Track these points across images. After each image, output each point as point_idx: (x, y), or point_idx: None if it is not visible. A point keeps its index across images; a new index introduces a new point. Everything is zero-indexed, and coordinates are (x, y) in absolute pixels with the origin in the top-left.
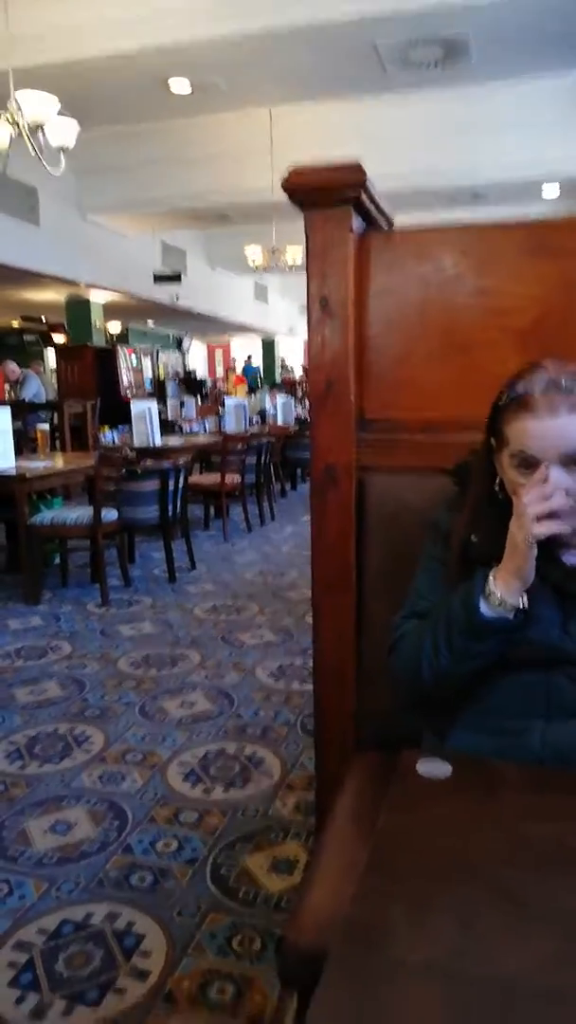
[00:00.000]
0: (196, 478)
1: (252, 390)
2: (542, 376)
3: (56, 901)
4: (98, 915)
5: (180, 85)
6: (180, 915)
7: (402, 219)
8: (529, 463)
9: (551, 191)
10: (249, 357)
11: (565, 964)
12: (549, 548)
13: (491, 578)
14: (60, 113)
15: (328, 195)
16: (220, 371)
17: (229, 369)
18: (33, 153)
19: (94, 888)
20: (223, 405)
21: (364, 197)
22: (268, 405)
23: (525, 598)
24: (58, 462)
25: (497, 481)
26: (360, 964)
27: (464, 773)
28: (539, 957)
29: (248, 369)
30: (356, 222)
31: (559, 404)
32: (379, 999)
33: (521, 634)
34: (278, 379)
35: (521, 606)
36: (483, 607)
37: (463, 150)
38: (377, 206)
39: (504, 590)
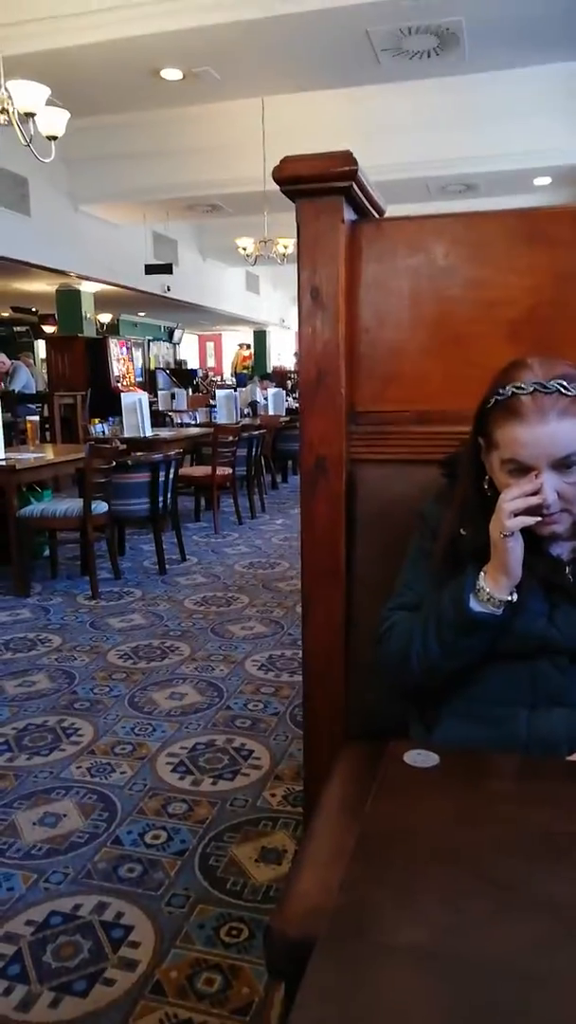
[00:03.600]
0: (187, 470)
1: (242, 383)
2: (529, 378)
3: (44, 893)
4: (87, 906)
5: (172, 74)
6: (168, 906)
7: (394, 209)
8: (521, 469)
9: (543, 180)
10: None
11: (552, 948)
12: (537, 543)
13: (481, 574)
14: (50, 102)
15: (319, 185)
16: (212, 362)
17: (240, 346)
18: (24, 142)
19: (83, 880)
20: (214, 396)
21: (355, 187)
22: (259, 396)
23: (515, 594)
24: (48, 454)
25: (486, 479)
26: (348, 949)
27: (451, 762)
28: (526, 942)
29: (240, 378)
30: (347, 212)
31: (548, 410)
32: (367, 983)
33: (508, 625)
34: (269, 369)
35: (511, 599)
36: (472, 602)
37: (456, 141)
38: (368, 196)
39: (492, 586)
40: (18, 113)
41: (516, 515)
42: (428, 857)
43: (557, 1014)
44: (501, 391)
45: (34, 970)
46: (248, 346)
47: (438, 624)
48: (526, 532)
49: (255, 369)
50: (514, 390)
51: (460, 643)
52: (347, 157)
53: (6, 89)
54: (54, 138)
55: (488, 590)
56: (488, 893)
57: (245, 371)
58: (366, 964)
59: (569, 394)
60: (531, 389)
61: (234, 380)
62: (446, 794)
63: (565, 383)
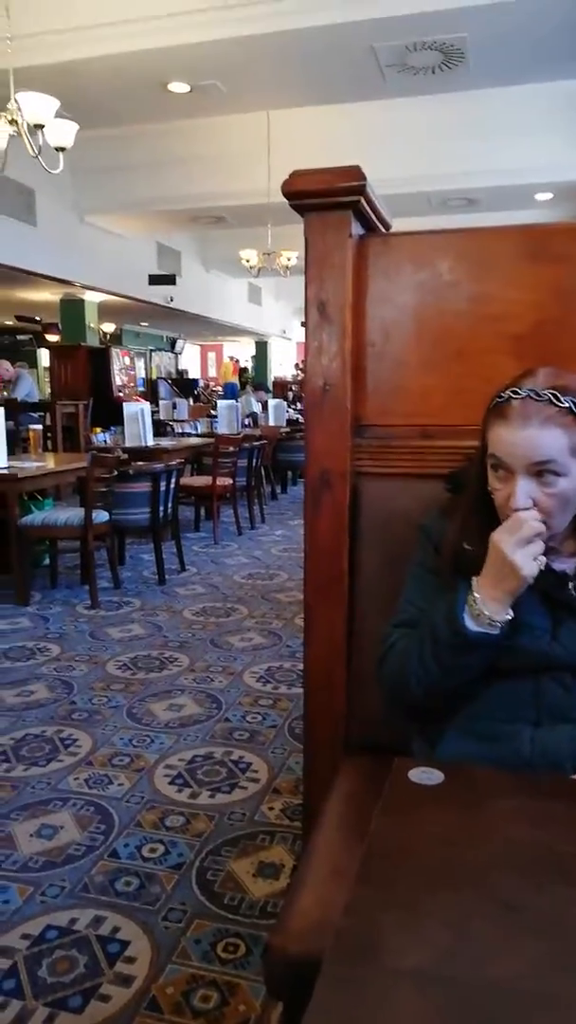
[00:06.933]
0: (187, 480)
1: (232, 393)
2: (527, 384)
3: (41, 906)
4: (83, 920)
5: (179, 87)
6: (165, 921)
7: (395, 223)
8: (501, 468)
9: (544, 196)
10: (234, 360)
11: (558, 970)
12: None
13: (476, 594)
14: (59, 114)
15: (328, 200)
16: (213, 372)
17: (231, 358)
18: (32, 154)
19: (79, 893)
20: (215, 407)
21: (363, 202)
22: (255, 407)
23: (511, 611)
24: (50, 462)
25: (489, 484)
26: (354, 972)
27: (456, 780)
28: (533, 963)
29: (229, 386)
30: (355, 226)
31: (532, 415)
32: (373, 1007)
33: (510, 642)
34: (270, 380)
35: (509, 618)
36: (468, 623)
37: (458, 155)
38: (376, 211)
39: (494, 607)
40: (27, 124)
41: (533, 543)
42: (433, 878)
43: None
44: (501, 395)
45: (29, 985)
46: (237, 360)
47: (434, 644)
48: None
49: (254, 378)
50: (510, 394)
51: (458, 662)
52: (356, 172)
53: (15, 100)
54: (62, 149)
55: (488, 613)
56: (494, 915)
57: (233, 382)
58: (372, 988)
59: (560, 404)
60: (524, 395)
61: (222, 390)
62: (451, 813)
63: (559, 394)
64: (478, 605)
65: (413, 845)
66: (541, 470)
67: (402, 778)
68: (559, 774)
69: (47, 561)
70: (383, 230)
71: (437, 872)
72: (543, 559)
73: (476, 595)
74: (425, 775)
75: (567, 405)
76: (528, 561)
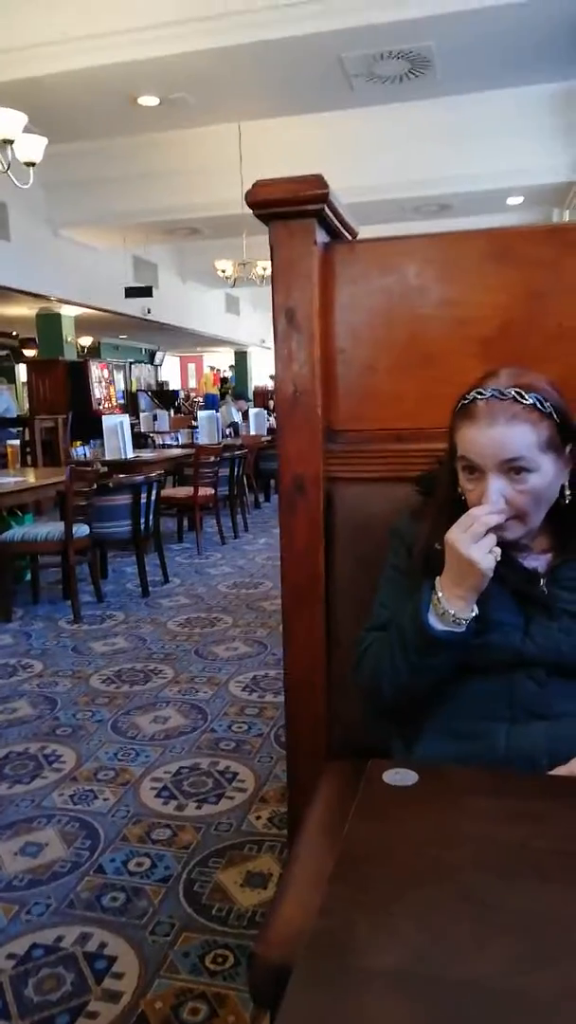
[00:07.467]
0: (169, 491)
1: (212, 403)
2: (491, 385)
3: (26, 925)
4: (69, 938)
5: (148, 101)
6: (153, 935)
7: (370, 230)
8: (472, 469)
9: (515, 200)
10: (214, 370)
11: (532, 967)
12: (506, 553)
13: (439, 593)
14: (28, 129)
15: (292, 208)
16: (193, 383)
17: (211, 368)
18: (1, 169)
19: (65, 910)
20: (196, 417)
21: (327, 210)
22: (235, 416)
23: (475, 607)
24: (29, 478)
25: (460, 485)
26: (326, 974)
27: (430, 780)
28: (506, 961)
29: (209, 397)
30: (320, 234)
31: (498, 413)
32: (346, 1008)
33: (483, 640)
34: (250, 393)
35: (474, 614)
36: (433, 622)
37: (430, 162)
38: (340, 218)
39: (459, 606)
40: None
41: (485, 536)
42: (406, 878)
43: None
44: (466, 397)
45: (15, 1005)
46: (217, 370)
47: (403, 646)
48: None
49: (234, 388)
50: (475, 395)
51: (426, 663)
52: (318, 181)
53: None
54: (32, 164)
55: (453, 612)
56: (466, 912)
57: (213, 393)
58: (344, 989)
59: (524, 402)
60: (489, 395)
61: (202, 400)
62: (425, 813)
63: (522, 392)
64: (442, 604)
65: (387, 846)
66: (511, 467)
67: (377, 780)
68: (534, 770)
69: (28, 577)
70: (349, 237)
71: (412, 872)
72: (498, 551)
73: (439, 594)
74: (399, 776)
75: (531, 402)
76: (484, 555)
